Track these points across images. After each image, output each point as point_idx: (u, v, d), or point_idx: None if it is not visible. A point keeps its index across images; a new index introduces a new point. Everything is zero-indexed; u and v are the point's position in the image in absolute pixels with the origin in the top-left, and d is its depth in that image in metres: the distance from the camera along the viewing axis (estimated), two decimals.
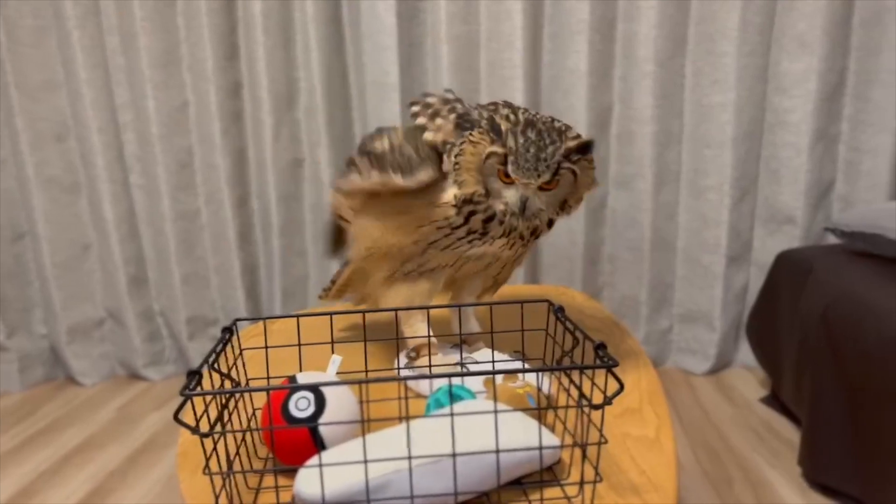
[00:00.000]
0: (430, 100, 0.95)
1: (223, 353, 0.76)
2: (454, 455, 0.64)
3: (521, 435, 0.70)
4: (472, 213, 0.89)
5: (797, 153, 2.20)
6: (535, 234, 0.93)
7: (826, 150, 2.22)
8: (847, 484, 1.54)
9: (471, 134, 0.88)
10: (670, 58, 2.18)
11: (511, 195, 0.88)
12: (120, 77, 2.27)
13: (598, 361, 0.68)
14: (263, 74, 2.22)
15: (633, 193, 2.30)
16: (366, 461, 0.62)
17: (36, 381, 2.47)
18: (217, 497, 0.66)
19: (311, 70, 2.23)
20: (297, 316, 0.87)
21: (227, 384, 0.76)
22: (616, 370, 0.65)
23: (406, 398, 0.67)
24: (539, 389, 0.82)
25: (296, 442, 0.72)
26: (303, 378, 0.77)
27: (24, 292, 2.42)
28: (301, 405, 0.72)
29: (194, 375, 0.65)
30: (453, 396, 0.80)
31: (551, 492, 0.70)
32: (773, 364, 2.01)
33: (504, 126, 0.85)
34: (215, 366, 0.73)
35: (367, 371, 0.88)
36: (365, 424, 0.69)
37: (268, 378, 0.85)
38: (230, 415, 0.72)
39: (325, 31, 2.21)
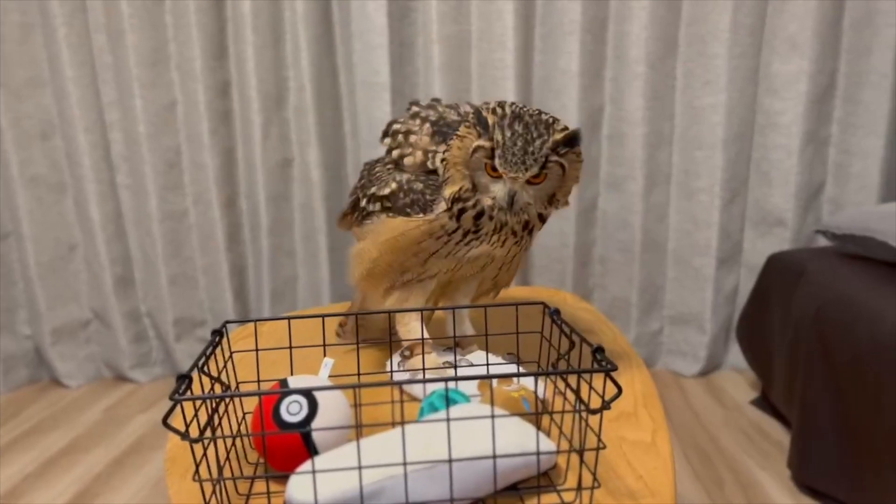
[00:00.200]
0: (396, 126, 0.98)
1: (213, 355, 0.75)
2: (450, 461, 0.63)
3: (518, 440, 0.69)
4: (462, 211, 0.88)
5: (788, 155, 2.21)
6: (528, 228, 0.91)
7: (816, 152, 2.22)
8: (835, 487, 1.54)
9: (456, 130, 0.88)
10: (661, 59, 2.18)
11: (499, 189, 0.86)
12: (107, 75, 2.24)
13: (595, 365, 0.67)
14: (252, 74, 2.20)
15: (623, 195, 2.30)
16: (360, 467, 0.61)
17: (20, 383, 2.43)
18: (207, 503, 0.64)
19: (301, 69, 2.22)
20: (289, 318, 0.86)
21: (218, 388, 0.74)
22: (612, 373, 0.64)
23: (401, 401, 0.65)
24: (535, 393, 0.80)
25: (287, 447, 0.70)
26: (294, 381, 0.75)
27: (9, 293, 2.39)
28: (293, 409, 0.71)
29: (184, 380, 0.63)
30: (447, 400, 0.79)
31: (548, 498, 0.68)
32: (764, 366, 2.01)
33: (491, 119, 0.84)
34: (205, 369, 0.71)
35: (359, 374, 0.87)
36: (358, 429, 0.67)
37: (258, 382, 0.84)
38: (220, 419, 0.70)
39: (315, 30, 2.20)
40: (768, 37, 2.17)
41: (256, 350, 0.83)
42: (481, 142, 0.84)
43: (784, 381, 1.83)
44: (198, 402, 0.64)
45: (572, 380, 0.80)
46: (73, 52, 2.19)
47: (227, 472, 0.70)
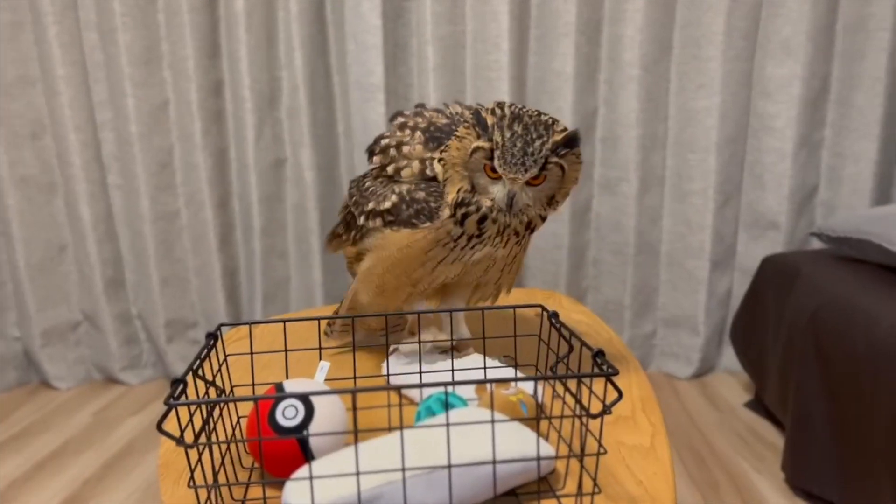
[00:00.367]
0: (385, 141, 0.96)
1: (207, 358, 0.74)
2: (449, 466, 0.62)
3: (518, 445, 0.68)
4: (465, 216, 0.87)
5: (781, 158, 2.21)
6: (530, 227, 0.91)
7: (809, 155, 2.23)
8: (829, 490, 1.54)
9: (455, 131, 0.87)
10: (656, 62, 2.18)
11: (498, 191, 0.85)
12: (98, 74, 2.22)
13: (596, 369, 0.66)
14: (245, 73, 2.19)
15: (617, 197, 2.30)
16: (358, 473, 0.60)
17: (8, 386, 2.40)
18: None
19: (295, 69, 2.20)
20: (284, 321, 0.85)
21: (213, 392, 0.73)
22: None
23: (400, 405, 0.64)
24: (533, 397, 0.80)
25: (283, 452, 0.69)
26: (290, 385, 0.74)
27: None
28: (288, 414, 0.70)
29: (179, 384, 0.62)
30: (443, 404, 0.78)
31: (548, 503, 0.68)
32: (758, 368, 2.01)
33: (490, 120, 0.83)
34: (200, 373, 0.70)
35: (355, 378, 0.86)
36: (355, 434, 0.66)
37: (253, 385, 0.82)
38: (214, 423, 0.69)
39: (308, 30, 2.18)
40: (762, 40, 2.17)
41: (251, 353, 0.82)
42: (480, 143, 0.83)
43: (778, 384, 1.83)
44: (192, 407, 0.62)
45: (572, 384, 0.79)
46: (64, 51, 2.16)
47: (221, 478, 0.69)
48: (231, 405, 0.78)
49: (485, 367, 0.89)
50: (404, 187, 0.91)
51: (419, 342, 0.94)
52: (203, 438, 0.64)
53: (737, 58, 2.15)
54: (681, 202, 2.29)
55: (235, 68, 2.21)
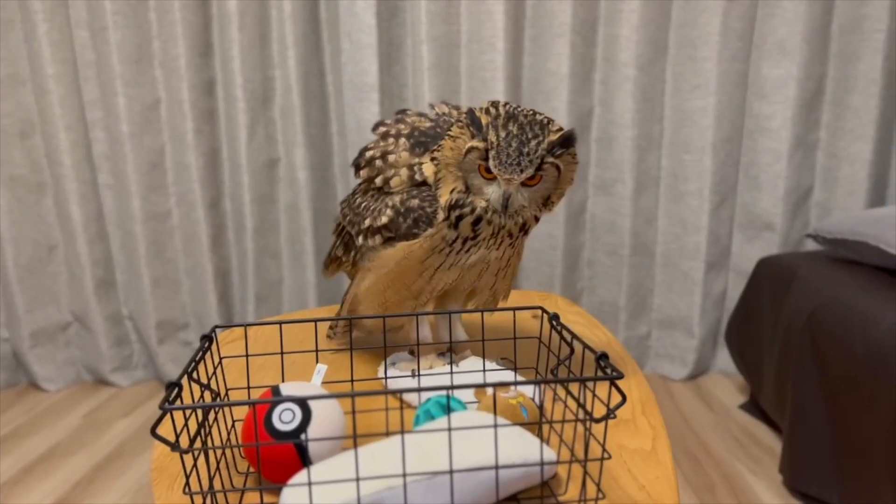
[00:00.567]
0: (370, 153, 0.94)
1: (202, 361, 0.72)
2: (451, 472, 0.60)
3: (519, 449, 0.66)
4: (460, 218, 0.85)
5: (776, 159, 2.21)
6: (524, 229, 0.89)
7: (805, 156, 2.23)
8: (827, 492, 1.54)
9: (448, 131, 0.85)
10: (651, 62, 2.17)
11: (493, 191, 0.84)
12: (89, 73, 2.20)
13: (600, 373, 0.65)
14: (238, 72, 2.17)
15: (612, 198, 2.29)
16: (357, 479, 0.58)
17: None
18: None
19: (288, 68, 2.19)
20: (280, 323, 0.83)
21: (208, 396, 0.72)
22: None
23: (400, 409, 0.63)
24: (535, 401, 0.78)
25: (280, 457, 0.68)
26: (287, 389, 0.73)
27: None
28: (285, 417, 0.68)
29: (174, 388, 0.61)
30: (442, 407, 0.76)
31: None
32: (754, 370, 2.00)
33: (484, 120, 0.82)
34: (194, 376, 0.68)
35: (353, 381, 0.84)
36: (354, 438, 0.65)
37: (248, 389, 0.81)
38: (210, 428, 0.67)
39: (302, 28, 2.17)
40: (758, 41, 2.17)
41: (247, 356, 0.81)
42: (475, 143, 0.82)
43: (774, 386, 1.82)
44: (188, 411, 0.61)
45: (574, 387, 0.78)
46: (54, 49, 2.14)
47: (217, 484, 0.67)
48: (227, 409, 0.77)
49: (483, 370, 0.88)
50: (396, 199, 0.89)
51: (417, 352, 0.93)
52: (198, 443, 0.63)
53: (732, 58, 2.14)
54: (676, 203, 2.29)
55: (228, 67, 2.19)
